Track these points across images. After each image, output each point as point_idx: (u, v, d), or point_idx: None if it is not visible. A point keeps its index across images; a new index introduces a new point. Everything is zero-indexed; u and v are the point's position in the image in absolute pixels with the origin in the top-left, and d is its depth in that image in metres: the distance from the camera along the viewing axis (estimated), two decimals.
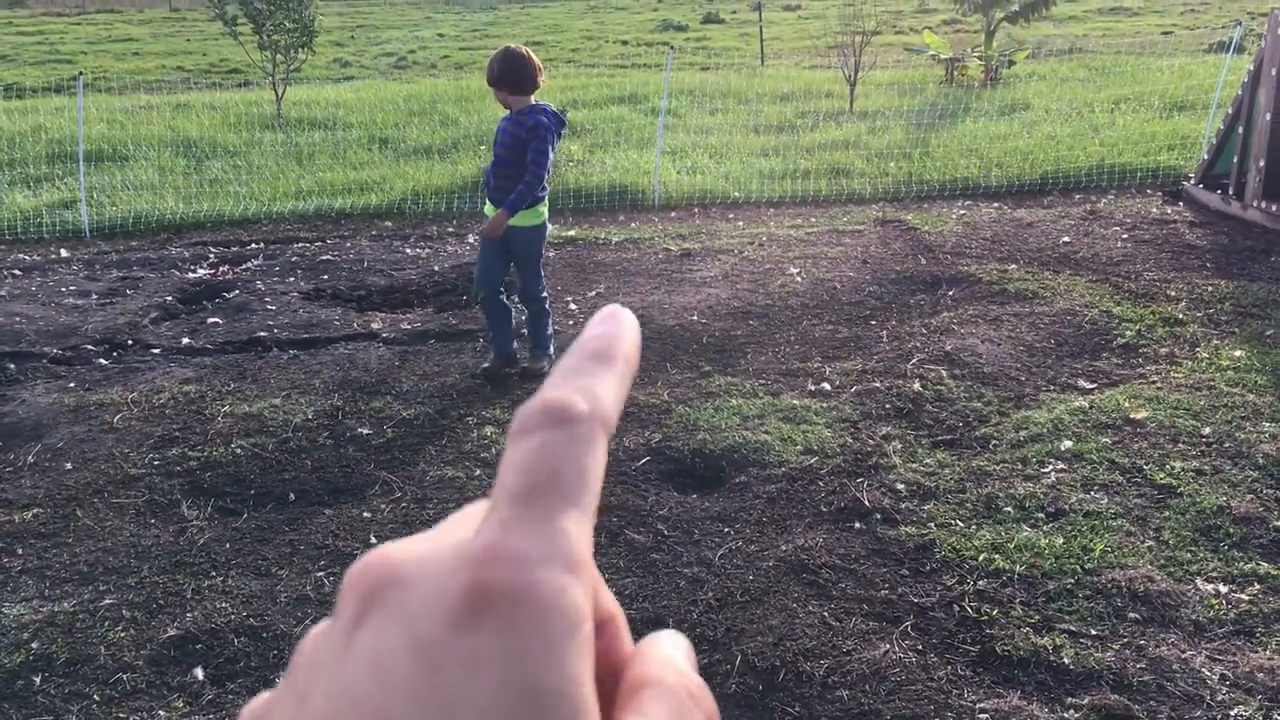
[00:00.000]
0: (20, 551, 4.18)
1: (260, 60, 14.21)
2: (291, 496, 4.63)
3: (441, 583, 0.31)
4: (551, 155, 5.48)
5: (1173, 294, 6.82)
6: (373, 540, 4.21)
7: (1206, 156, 9.45)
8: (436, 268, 8.16)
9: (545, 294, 5.87)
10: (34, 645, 3.55)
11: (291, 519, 4.42)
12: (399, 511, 4.46)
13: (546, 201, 5.65)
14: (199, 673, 3.45)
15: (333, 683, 0.31)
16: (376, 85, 17.52)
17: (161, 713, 3.27)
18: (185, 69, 21.61)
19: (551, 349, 5.93)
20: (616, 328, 0.38)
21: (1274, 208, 8.24)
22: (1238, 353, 5.77)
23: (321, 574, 3.99)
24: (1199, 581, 3.78)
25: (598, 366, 0.36)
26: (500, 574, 0.31)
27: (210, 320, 7.03)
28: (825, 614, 3.67)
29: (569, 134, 12.65)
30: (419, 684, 0.30)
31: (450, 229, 9.50)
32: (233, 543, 4.24)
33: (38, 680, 3.40)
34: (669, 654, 0.38)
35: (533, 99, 5.52)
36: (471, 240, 9.08)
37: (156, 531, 4.34)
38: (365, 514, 4.43)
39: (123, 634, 3.62)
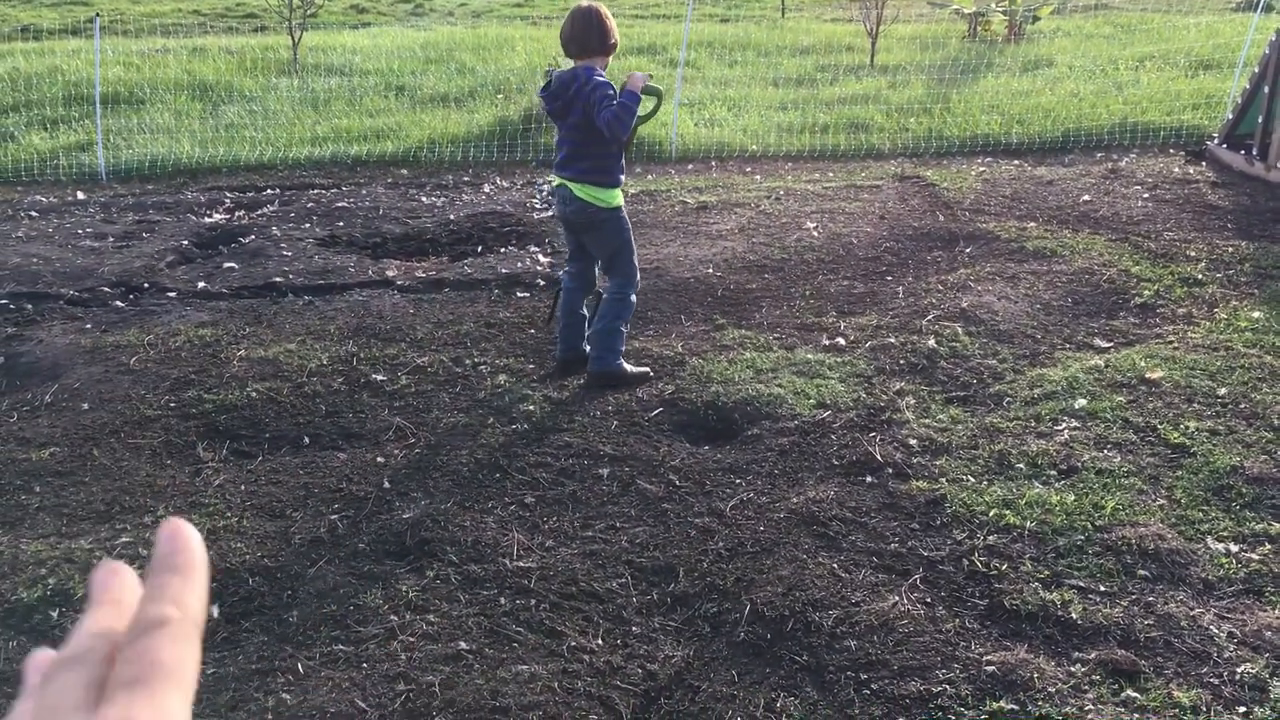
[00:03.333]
0: (38, 489, 4.22)
1: (277, 5, 14.11)
2: (306, 440, 4.65)
3: None
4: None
5: (1192, 254, 6.77)
6: (386, 485, 4.25)
7: (1231, 116, 9.34)
8: (452, 216, 8.14)
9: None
10: (51, 581, 3.59)
11: (306, 462, 4.45)
12: (412, 457, 4.48)
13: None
14: (214, 611, 3.49)
15: None
16: (393, 32, 17.38)
17: None
18: (201, 13, 21.46)
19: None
20: (183, 544, 0.47)
21: None
22: (1256, 314, 5.73)
23: (335, 517, 4.02)
24: (1210, 540, 3.78)
25: (175, 579, 0.46)
26: None
27: (226, 265, 7.04)
28: (835, 565, 3.68)
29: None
30: None
31: (466, 178, 9.47)
32: (247, 484, 4.27)
33: (55, 615, 3.45)
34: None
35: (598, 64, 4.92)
36: (487, 190, 9.05)
37: (172, 472, 4.38)
38: (379, 459, 4.46)
39: (139, 571, 3.65)
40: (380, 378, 5.21)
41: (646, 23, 18.49)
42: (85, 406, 4.93)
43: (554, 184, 5.17)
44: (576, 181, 4.98)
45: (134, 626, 0.44)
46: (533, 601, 3.53)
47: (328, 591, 3.59)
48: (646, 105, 5.20)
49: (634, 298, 5.21)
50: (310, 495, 4.18)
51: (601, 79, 4.80)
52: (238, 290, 6.54)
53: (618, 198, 5.08)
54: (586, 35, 4.84)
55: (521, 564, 3.73)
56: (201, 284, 6.65)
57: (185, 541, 0.48)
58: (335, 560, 3.76)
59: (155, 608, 0.44)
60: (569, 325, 5.28)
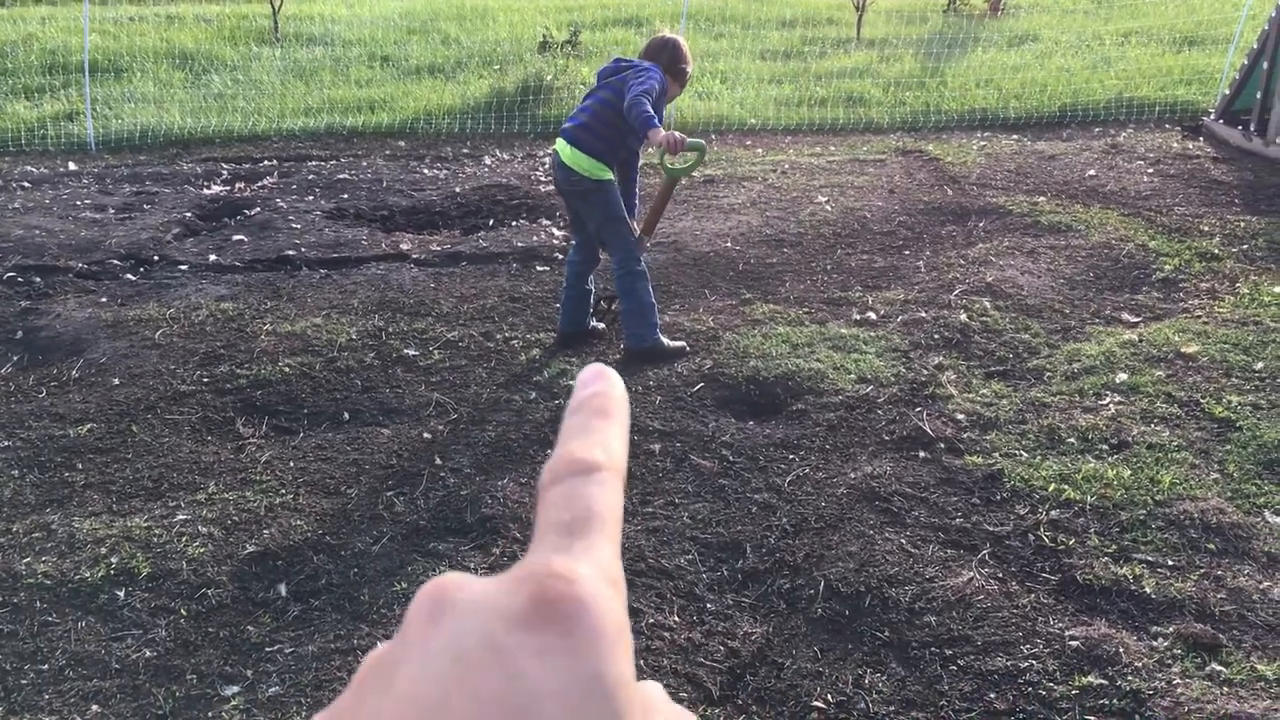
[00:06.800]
0: (80, 466, 4.13)
1: None
2: (346, 416, 4.58)
3: (504, 596, 0.36)
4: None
5: (1205, 229, 6.82)
6: (437, 461, 4.19)
7: (1227, 92, 9.41)
8: (458, 189, 8.04)
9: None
10: (113, 560, 3.51)
11: (350, 438, 4.38)
12: (458, 432, 4.43)
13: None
14: (282, 589, 3.43)
15: (413, 670, 0.35)
16: (370, 1, 17.11)
17: (250, 628, 3.25)
18: None
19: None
20: (608, 386, 0.44)
21: None
22: (1278, 289, 5.79)
23: (391, 494, 3.96)
24: (1267, 514, 3.81)
25: (602, 423, 0.42)
26: (562, 587, 0.36)
27: (235, 237, 6.91)
28: (903, 541, 3.68)
29: (577, 57, 12.43)
30: (497, 668, 0.34)
31: (465, 150, 9.36)
32: (295, 461, 4.20)
33: (121, 594, 3.37)
34: None
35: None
36: (489, 162, 8.95)
37: (215, 448, 4.29)
38: (425, 434, 4.40)
39: (202, 550, 3.58)
40: (412, 352, 5.14)
41: None
42: (116, 382, 4.82)
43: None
44: (570, 144, 4.85)
45: (561, 466, 0.41)
46: None
47: (395, 569, 3.54)
48: (687, 158, 5.15)
49: (641, 266, 5.12)
50: (362, 472, 4.12)
51: (657, 75, 4.76)
52: (250, 263, 6.43)
53: (606, 172, 4.95)
54: (658, 53, 4.92)
55: None
56: (213, 257, 6.53)
57: (610, 384, 0.44)
58: (398, 538, 3.71)
59: (584, 450, 0.41)
60: (572, 299, 5.22)
